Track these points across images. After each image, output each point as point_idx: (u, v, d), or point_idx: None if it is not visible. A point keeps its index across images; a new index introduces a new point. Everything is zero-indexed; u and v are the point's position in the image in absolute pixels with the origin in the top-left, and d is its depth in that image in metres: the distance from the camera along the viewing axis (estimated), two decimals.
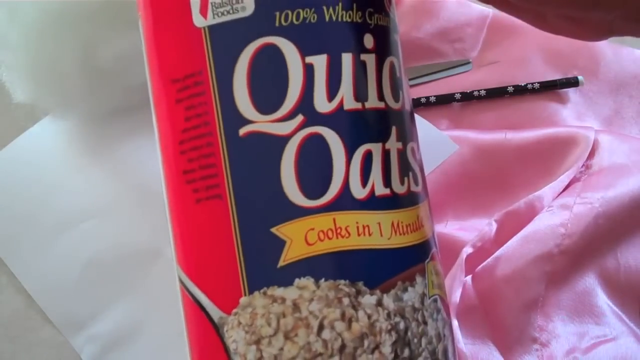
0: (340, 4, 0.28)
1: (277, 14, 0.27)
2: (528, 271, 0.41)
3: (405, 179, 0.28)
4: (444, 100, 0.52)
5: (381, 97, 0.28)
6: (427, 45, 0.55)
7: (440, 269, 0.30)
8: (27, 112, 0.52)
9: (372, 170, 0.27)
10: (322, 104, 0.27)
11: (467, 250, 0.43)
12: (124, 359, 0.44)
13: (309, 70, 0.27)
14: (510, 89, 0.52)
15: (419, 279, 0.27)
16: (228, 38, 0.27)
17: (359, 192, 0.27)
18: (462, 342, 0.40)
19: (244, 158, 0.26)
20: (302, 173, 0.26)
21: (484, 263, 0.43)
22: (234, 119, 0.27)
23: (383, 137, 0.28)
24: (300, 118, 0.26)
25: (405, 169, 0.29)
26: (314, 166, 0.26)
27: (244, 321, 0.26)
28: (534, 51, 0.54)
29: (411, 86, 0.54)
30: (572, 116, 0.52)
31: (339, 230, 0.26)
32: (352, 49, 0.28)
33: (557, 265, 0.42)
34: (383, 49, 0.29)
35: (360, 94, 0.28)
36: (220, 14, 0.27)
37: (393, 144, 0.28)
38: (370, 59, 0.28)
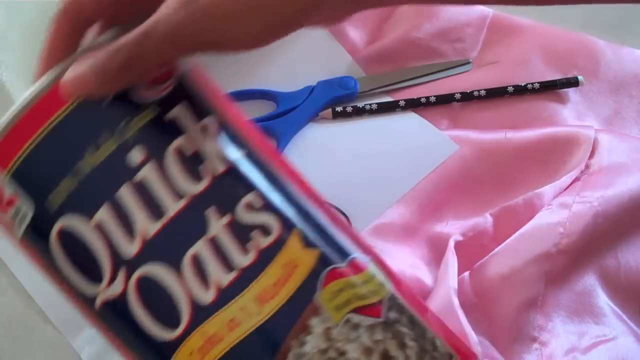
0: (96, 143, 0.28)
1: (50, 198, 0.28)
2: (526, 270, 0.41)
3: (249, 244, 0.28)
4: (444, 100, 0.52)
5: (177, 196, 0.28)
6: (427, 45, 0.55)
7: (351, 276, 0.30)
8: None
9: (208, 270, 0.28)
10: (129, 249, 0.28)
11: (457, 237, 0.43)
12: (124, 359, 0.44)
13: (100, 229, 0.28)
14: (510, 89, 0.52)
15: (313, 321, 0.28)
16: (35, 239, 0.29)
17: (206, 298, 0.28)
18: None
19: (114, 323, 0.29)
20: (154, 314, 0.28)
21: (482, 260, 0.43)
22: (84, 296, 0.29)
23: (201, 232, 0.28)
24: (122, 272, 0.28)
25: (245, 233, 0.28)
26: (157, 303, 0.28)
27: None
28: (534, 51, 0.54)
29: (411, 86, 0.54)
30: (572, 116, 0.52)
31: (211, 340, 0.28)
32: (124, 180, 0.28)
33: (555, 265, 0.41)
34: (160, 144, 0.29)
35: (154, 214, 0.28)
36: (18, 226, 0.29)
37: (216, 226, 0.28)
38: (146, 173, 0.28)
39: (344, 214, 0.46)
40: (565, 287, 0.42)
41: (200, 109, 0.30)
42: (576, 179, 0.46)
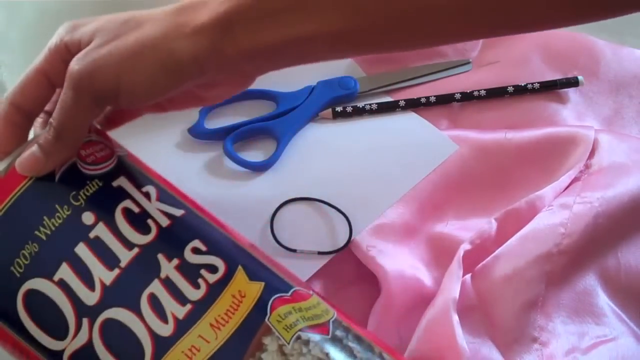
0: (53, 210, 0.33)
1: (16, 262, 0.32)
2: (527, 271, 0.41)
3: (199, 280, 0.32)
4: (444, 100, 0.52)
5: (129, 246, 0.32)
6: None
7: (298, 302, 0.33)
8: None
9: (164, 305, 0.31)
10: (91, 298, 0.32)
11: (465, 246, 0.43)
12: None
13: (63, 284, 0.32)
14: (510, 89, 0.52)
15: (266, 340, 0.31)
16: (3, 304, 0.33)
17: (165, 330, 0.31)
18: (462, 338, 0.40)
19: None
20: (119, 353, 0.31)
21: (484, 262, 0.43)
22: (52, 354, 0.32)
23: (154, 274, 0.32)
24: (86, 321, 0.31)
25: (195, 272, 0.32)
26: (122, 342, 0.31)
27: None
28: (534, 51, 0.54)
29: (411, 86, 0.54)
30: (572, 116, 0.52)
31: None
32: (80, 239, 0.32)
33: (556, 265, 0.41)
34: (109, 206, 0.34)
35: (110, 263, 0.32)
36: None
37: (167, 268, 0.32)
38: (99, 231, 0.33)
39: (343, 214, 0.46)
40: (565, 288, 0.42)
41: (140, 180, 0.36)
42: (576, 179, 0.46)
